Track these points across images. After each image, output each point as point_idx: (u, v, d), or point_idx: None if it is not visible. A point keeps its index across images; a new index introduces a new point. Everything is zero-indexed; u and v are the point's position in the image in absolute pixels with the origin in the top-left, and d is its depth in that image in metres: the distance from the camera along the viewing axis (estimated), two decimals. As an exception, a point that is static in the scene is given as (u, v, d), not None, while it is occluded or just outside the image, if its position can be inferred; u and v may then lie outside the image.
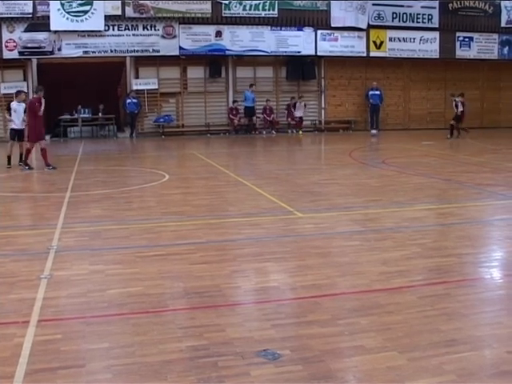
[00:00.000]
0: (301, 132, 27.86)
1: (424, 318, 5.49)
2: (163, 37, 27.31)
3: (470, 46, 31.09)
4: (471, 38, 31.08)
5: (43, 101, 16.36)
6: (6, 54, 26.18)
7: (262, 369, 4.51)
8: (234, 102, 28.38)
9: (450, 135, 24.19)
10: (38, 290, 6.28)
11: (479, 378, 4.41)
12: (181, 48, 27.46)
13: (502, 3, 31.17)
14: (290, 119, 28.59)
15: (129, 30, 27.05)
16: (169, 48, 27.32)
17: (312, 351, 4.78)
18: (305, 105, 28.53)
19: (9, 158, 16.59)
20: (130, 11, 26.78)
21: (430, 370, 4.47)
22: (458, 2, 30.63)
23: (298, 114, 28.24)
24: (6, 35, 26.09)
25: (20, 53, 26.33)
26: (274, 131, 28.41)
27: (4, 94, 26.23)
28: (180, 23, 27.29)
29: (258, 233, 8.97)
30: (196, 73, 28.76)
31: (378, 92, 29.05)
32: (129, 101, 27.29)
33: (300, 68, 29.19)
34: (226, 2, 27.54)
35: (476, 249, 8.14)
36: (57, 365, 4.59)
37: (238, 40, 27.97)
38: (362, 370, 4.54)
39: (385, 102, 29.68)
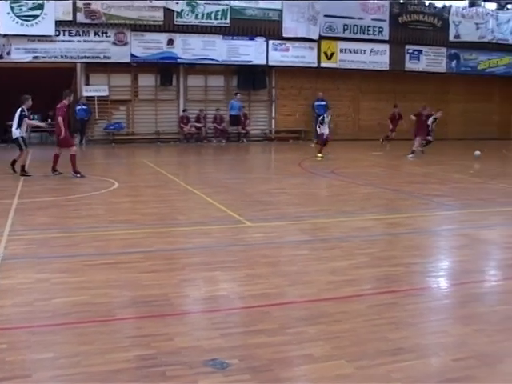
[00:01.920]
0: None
1: (372, 326, 5.53)
2: (114, 43, 27.10)
3: (419, 59, 31.64)
4: (420, 51, 31.65)
5: None
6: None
7: (211, 378, 4.48)
8: (185, 110, 28.31)
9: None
10: (-19, 298, 6.16)
11: (425, 386, 4.46)
12: (132, 55, 27.31)
13: (450, 18, 31.80)
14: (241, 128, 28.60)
15: (80, 35, 26.76)
16: (120, 55, 27.13)
17: (260, 360, 4.78)
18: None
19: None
20: (81, 17, 26.51)
21: (377, 379, 4.50)
22: (408, 16, 31.15)
23: (325, 131, 22.07)
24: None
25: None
26: (224, 140, 28.41)
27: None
28: (132, 30, 27.14)
29: (207, 242, 8.95)
30: (147, 80, 28.61)
31: (323, 103, 29.24)
32: (79, 107, 27.00)
33: (251, 77, 29.28)
34: (178, 10, 27.49)
35: (423, 258, 8.24)
36: (3, 375, 4.49)
37: (189, 48, 27.92)
38: (310, 379, 4.55)
39: (334, 113, 29.94)
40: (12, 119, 16.10)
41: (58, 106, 16.23)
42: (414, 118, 22.87)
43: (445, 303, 6.49)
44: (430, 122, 23.25)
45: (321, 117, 21.75)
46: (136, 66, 27.80)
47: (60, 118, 15.79)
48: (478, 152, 19.49)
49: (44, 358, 4.86)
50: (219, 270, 7.38)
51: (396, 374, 4.57)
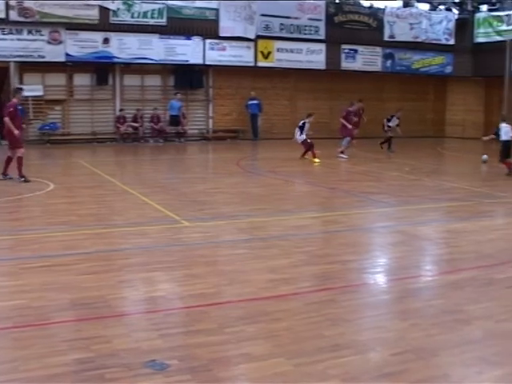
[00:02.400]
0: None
1: (309, 324, 5.61)
2: (49, 42, 26.67)
3: (354, 58, 31.99)
4: (356, 51, 32.00)
5: None
6: None
7: (150, 379, 4.49)
8: (121, 110, 28.06)
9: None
10: None
11: (363, 380, 4.55)
12: (67, 54, 26.92)
13: (385, 18, 32.28)
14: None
15: (13, 34, 26.24)
16: (54, 54, 26.71)
17: (200, 360, 4.80)
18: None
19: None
20: (14, 15, 26.00)
21: (315, 376, 4.58)
22: (344, 16, 31.49)
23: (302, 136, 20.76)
24: None
25: None
26: (161, 140, 28.26)
27: None
28: (66, 29, 26.76)
29: (144, 242, 8.92)
30: (83, 80, 28.24)
31: (256, 101, 29.40)
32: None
33: (188, 77, 29.17)
34: (114, 8, 27.23)
35: (359, 255, 8.38)
36: None
37: (125, 48, 27.66)
38: (249, 378, 4.60)
39: (270, 112, 30.17)
40: None
41: (7, 104, 15.61)
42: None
43: (381, 299, 6.63)
44: (390, 123, 23.88)
45: (301, 123, 20.78)
46: (71, 66, 27.41)
47: (7, 118, 15.15)
48: (485, 156, 19.72)
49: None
50: (157, 271, 7.38)
51: (333, 370, 4.66)
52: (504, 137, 16.81)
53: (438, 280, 7.42)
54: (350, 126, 22.14)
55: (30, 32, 26.46)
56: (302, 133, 20.33)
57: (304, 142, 20.28)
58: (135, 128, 28.16)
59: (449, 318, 5.85)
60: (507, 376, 4.76)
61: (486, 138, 19.24)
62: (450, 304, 6.33)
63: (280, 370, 4.67)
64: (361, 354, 5.01)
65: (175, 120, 28.39)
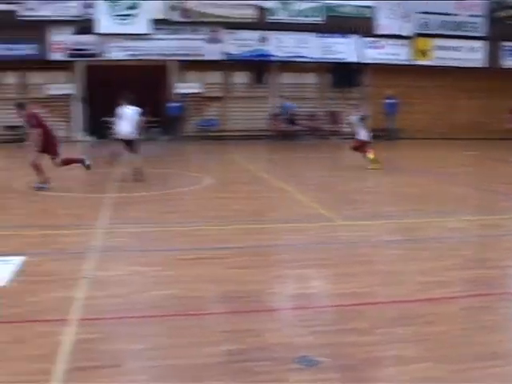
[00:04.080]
0: None
1: (464, 329, 5.41)
2: (208, 41, 27.43)
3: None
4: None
5: None
6: (54, 56, 26.61)
7: (299, 375, 4.48)
8: (278, 107, 28.33)
9: None
10: (78, 289, 6.34)
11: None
12: (225, 53, 27.56)
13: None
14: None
15: (174, 33, 27.23)
16: (213, 52, 27.44)
17: (350, 359, 4.74)
18: None
19: None
20: (175, 15, 26.97)
21: (470, 383, 4.40)
22: (506, 11, 30.22)
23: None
24: (53, 37, 26.53)
25: (68, 55, 26.75)
26: (316, 137, 28.27)
27: (51, 95, 26.80)
28: (225, 28, 27.39)
29: (298, 239, 8.93)
30: (240, 78, 28.84)
31: (394, 101, 28.76)
32: (172, 104, 27.47)
33: (346, 75, 29.04)
34: (271, 7, 27.55)
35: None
36: (94, 364, 4.63)
37: (282, 46, 27.97)
38: (399, 380, 4.48)
39: (422, 110, 29.47)
40: (110, 115, 15.82)
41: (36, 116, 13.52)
42: None
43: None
44: None
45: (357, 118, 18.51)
46: (228, 64, 28.03)
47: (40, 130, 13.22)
48: None
49: (134, 349, 4.97)
50: (310, 268, 7.36)
51: (492, 378, 4.45)
52: None
53: None
54: None
55: (190, 31, 27.26)
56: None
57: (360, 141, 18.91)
58: (292, 125, 28.33)
59: None
60: None
61: None
62: None
63: (432, 374, 4.52)
64: (519, 364, 4.79)
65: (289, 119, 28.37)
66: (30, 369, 4.53)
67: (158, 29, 26.95)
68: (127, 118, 14.60)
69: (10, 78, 27.72)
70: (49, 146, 13.22)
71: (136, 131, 14.68)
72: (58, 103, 27.74)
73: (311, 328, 5.36)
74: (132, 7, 26.56)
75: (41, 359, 4.68)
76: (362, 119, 17.89)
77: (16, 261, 7.34)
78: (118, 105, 14.78)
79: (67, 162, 13.90)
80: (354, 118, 18.21)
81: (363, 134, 17.31)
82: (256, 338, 5.12)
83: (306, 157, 23.16)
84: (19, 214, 11.00)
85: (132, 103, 14.90)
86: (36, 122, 13.19)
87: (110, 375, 4.48)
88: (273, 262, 7.71)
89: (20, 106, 13.64)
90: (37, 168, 13.17)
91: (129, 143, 14.61)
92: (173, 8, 26.89)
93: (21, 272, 6.96)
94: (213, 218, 10.36)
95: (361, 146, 17.29)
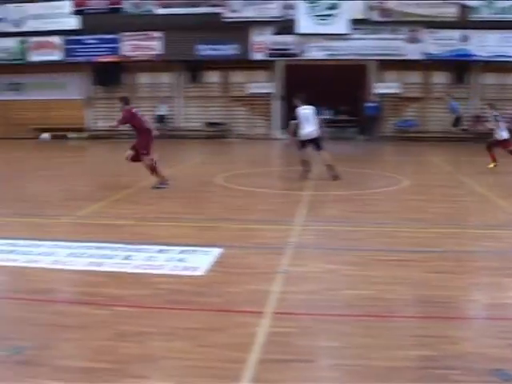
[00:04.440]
0: None
1: None
2: (407, 41, 27.09)
3: None
4: None
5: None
6: (255, 56, 27.47)
7: (495, 388, 4.33)
8: (481, 109, 27.35)
9: None
10: (274, 283, 6.51)
11: None
12: (425, 53, 27.08)
13: None
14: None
15: (373, 33, 27.15)
16: (413, 52, 27.06)
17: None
18: None
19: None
20: (374, 15, 26.87)
21: None
22: None
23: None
24: (255, 38, 27.39)
25: (268, 54, 27.51)
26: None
27: (251, 94, 27.73)
28: (425, 27, 26.90)
29: (498, 246, 8.58)
30: (439, 78, 28.23)
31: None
32: (368, 104, 27.42)
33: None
34: (475, 5, 26.64)
35: None
36: (288, 357, 4.74)
37: (484, 45, 26.99)
38: None
39: None
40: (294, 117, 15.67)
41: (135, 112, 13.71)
42: None
43: None
44: None
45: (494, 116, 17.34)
46: (428, 64, 27.52)
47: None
48: None
49: (328, 346, 5.04)
50: (510, 277, 7.06)
51: None
52: None
53: None
54: None
55: (389, 31, 27.09)
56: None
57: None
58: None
59: None
60: None
61: None
62: None
63: None
64: None
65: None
66: (226, 356, 4.75)
67: (356, 29, 27.00)
68: (307, 119, 14.70)
69: (214, 77, 28.98)
70: (148, 144, 13.28)
71: (318, 129, 14.76)
72: (258, 102, 28.64)
73: (509, 340, 5.14)
74: (332, 7, 26.82)
75: (236, 348, 4.88)
76: None
77: (214, 252, 7.66)
78: (295, 107, 14.92)
79: (151, 168, 13.43)
80: None
81: None
82: (451, 346, 4.99)
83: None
84: (216, 208, 11.52)
85: (306, 102, 14.97)
86: (129, 119, 13.33)
87: (301, 369, 4.58)
88: (470, 268, 7.48)
89: (123, 100, 13.72)
90: (152, 169, 13.37)
91: (314, 142, 14.72)
92: (372, 8, 26.81)
93: (219, 263, 7.27)
94: (409, 220, 10.21)
95: None
